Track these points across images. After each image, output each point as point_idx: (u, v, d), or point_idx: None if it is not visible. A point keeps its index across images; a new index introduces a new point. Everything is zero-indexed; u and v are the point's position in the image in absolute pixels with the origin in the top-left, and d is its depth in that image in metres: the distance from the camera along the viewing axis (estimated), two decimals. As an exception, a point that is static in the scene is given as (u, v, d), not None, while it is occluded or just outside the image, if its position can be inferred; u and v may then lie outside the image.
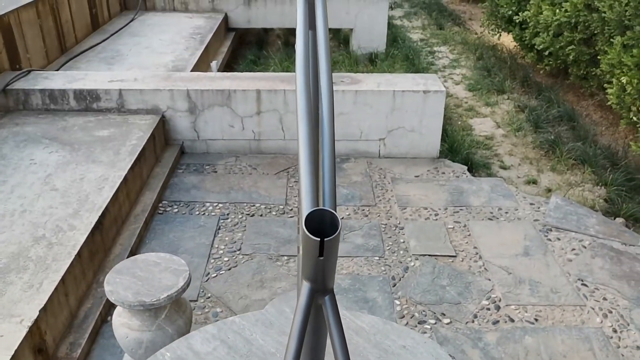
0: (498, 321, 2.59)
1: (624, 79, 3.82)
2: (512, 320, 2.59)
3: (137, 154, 3.33)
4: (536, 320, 2.60)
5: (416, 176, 3.88)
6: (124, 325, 2.07)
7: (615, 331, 2.54)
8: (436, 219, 3.37)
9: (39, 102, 3.83)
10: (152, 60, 4.92)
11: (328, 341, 0.85)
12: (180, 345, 1.34)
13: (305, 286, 0.73)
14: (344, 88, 3.86)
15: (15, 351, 1.96)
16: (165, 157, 3.83)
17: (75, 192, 2.92)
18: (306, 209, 0.65)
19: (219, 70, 5.16)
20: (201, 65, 4.98)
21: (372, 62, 6.36)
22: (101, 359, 2.33)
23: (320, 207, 0.66)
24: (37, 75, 4.03)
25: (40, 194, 2.89)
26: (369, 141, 4.03)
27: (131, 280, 2.07)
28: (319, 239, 0.64)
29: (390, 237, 3.19)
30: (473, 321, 2.58)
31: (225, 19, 6.45)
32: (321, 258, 0.66)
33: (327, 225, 0.66)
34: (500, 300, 2.72)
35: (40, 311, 2.13)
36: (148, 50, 5.22)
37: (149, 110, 3.88)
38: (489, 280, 2.85)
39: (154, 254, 2.23)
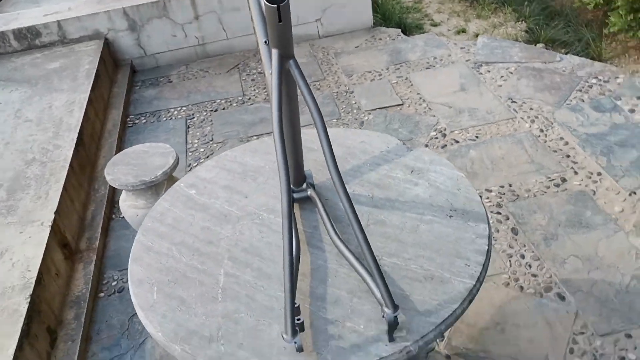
0: (446, 145, 3.02)
1: None
2: (457, 142, 3.03)
3: (93, 76, 3.51)
4: (477, 137, 3.04)
5: (356, 47, 4.17)
6: (132, 207, 2.41)
7: (541, 131, 3.01)
8: (380, 78, 3.72)
9: (-19, 49, 3.90)
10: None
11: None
12: (189, 176, 1.68)
13: (275, 53, 1.05)
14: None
15: (46, 246, 2.28)
16: (119, 78, 4.01)
17: (48, 119, 3.13)
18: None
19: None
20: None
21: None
22: (118, 246, 2.68)
23: None
24: (-30, 25, 4.05)
25: (17, 127, 3.09)
26: (307, 24, 4.26)
27: (127, 168, 2.37)
28: (275, 6, 0.95)
29: (342, 101, 3.54)
30: (425, 149, 3.01)
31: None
32: (280, 23, 0.98)
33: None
34: (445, 129, 3.14)
35: (54, 214, 2.44)
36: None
37: (92, 36, 3.99)
38: (434, 116, 3.26)
39: (140, 145, 2.53)
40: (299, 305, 1.13)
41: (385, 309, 1.11)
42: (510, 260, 2.29)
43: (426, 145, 3.03)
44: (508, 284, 2.19)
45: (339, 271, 1.29)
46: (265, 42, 1.14)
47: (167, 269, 1.36)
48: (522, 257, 2.30)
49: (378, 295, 1.15)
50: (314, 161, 1.65)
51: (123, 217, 2.69)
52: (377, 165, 1.61)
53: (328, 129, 1.73)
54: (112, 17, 3.97)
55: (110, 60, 4.03)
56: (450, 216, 1.41)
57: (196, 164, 3.18)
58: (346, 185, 1.52)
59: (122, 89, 3.88)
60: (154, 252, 1.42)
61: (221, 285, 1.30)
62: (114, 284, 2.48)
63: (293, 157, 1.39)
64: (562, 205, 2.51)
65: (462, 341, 2.00)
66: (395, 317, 1.10)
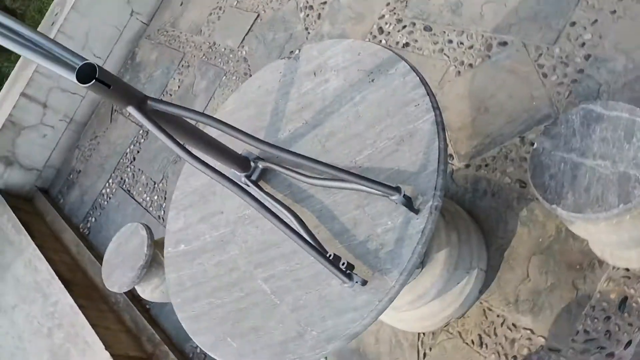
0: (320, 13, 2.97)
1: None
2: (325, 2, 2.98)
3: (23, 229, 3.41)
4: (335, -16, 2.98)
5: (180, 4, 3.99)
6: (153, 290, 2.43)
7: None
8: (223, 11, 3.59)
9: None
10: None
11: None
12: (168, 237, 1.71)
13: (131, 110, 1.03)
14: None
15: (125, 376, 2.34)
16: (42, 208, 3.89)
17: (25, 289, 3.09)
18: (71, 74, 0.92)
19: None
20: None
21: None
22: (174, 325, 2.74)
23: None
24: None
25: (7, 315, 3.06)
26: (128, 25, 4.05)
27: (119, 270, 2.37)
28: (94, 80, 0.92)
29: (213, 57, 3.44)
30: None
31: None
32: (111, 87, 0.95)
33: (90, 72, 0.93)
34: (309, 0, 3.07)
35: (106, 351, 2.47)
36: None
37: (-13, 199, 3.83)
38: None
39: (110, 243, 2.50)
40: (332, 254, 1.19)
41: (392, 198, 1.17)
42: (444, 52, 2.33)
43: (306, 29, 2.98)
44: (459, 72, 2.25)
45: (337, 200, 1.34)
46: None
47: (222, 318, 1.42)
48: (450, 41, 2.34)
49: (377, 192, 1.20)
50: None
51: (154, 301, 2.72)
52: (287, 94, 1.62)
53: (229, 101, 1.72)
54: (-15, 170, 3.79)
55: (22, 202, 3.89)
56: (372, 80, 1.43)
57: (163, 212, 3.16)
58: (279, 132, 1.54)
59: (51, 214, 3.78)
60: (201, 315, 1.47)
61: (269, 292, 1.35)
62: None
63: (221, 156, 1.39)
64: (442, -26, 2.51)
65: (466, 145, 2.09)
66: (404, 195, 1.16)
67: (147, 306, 2.91)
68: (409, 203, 1.17)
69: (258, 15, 3.31)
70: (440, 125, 1.26)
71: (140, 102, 1.03)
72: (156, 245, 2.43)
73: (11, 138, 3.81)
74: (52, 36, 3.73)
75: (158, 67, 3.80)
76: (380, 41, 2.60)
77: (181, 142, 1.16)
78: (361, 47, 1.50)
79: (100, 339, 2.53)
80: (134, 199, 3.37)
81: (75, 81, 0.91)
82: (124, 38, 4.03)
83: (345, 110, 1.44)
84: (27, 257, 3.22)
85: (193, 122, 1.30)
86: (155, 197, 3.25)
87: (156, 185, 3.29)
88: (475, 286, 1.80)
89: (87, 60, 0.93)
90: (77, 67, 0.92)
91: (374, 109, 1.38)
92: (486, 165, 2.01)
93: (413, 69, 1.37)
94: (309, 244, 1.19)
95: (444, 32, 2.38)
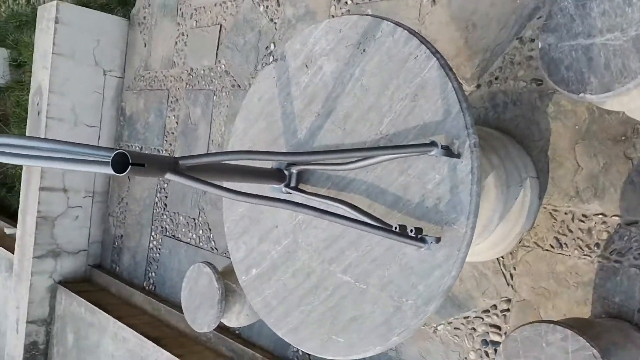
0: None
1: None
2: (279, -13, 2.96)
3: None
4: (280, -34, 2.95)
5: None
6: (240, 317, 2.52)
7: None
8: (184, 38, 3.59)
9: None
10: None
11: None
12: (237, 268, 1.77)
13: (169, 176, 1.07)
14: None
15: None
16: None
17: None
18: (107, 168, 0.96)
19: None
20: None
21: None
22: (274, 340, 2.82)
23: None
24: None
25: (123, 392, 3.20)
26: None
27: (201, 309, 2.46)
28: (129, 167, 0.96)
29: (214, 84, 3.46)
30: None
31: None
32: (145, 166, 0.99)
33: (122, 160, 0.98)
34: (262, -6, 3.05)
35: (220, 385, 2.57)
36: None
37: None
38: (244, -2, 3.16)
39: (182, 293, 2.59)
40: (396, 225, 1.22)
41: (430, 153, 1.19)
42: (412, -11, 2.31)
43: (271, 20, 2.97)
44: (433, 1, 2.23)
45: (378, 175, 1.37)
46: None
47: (319, 320, 1.47)
48: (413, -24, 2.31)
49: (414, 153, 1.23)
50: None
51: (241, 326, 2.81)
52: (289, 94, 1.64)
53: (237, 123, 1.75)
54: (38, 270, 3.91)
55: (83, 284, 4.02)
56: (364, 50, 1.44)
57: (213, 242, 3.24)
58: (297, 132, 1.57)
59: (114, 284, 3.89)
60: (299, 325, 1.53)
61: (353, 281, 1.40)
62: None
63: (255, 177, 1.43)
64: None
65: (469, 67, 2.08)
66: (440, 146, 1.19)
67: (237, 331, 3.01)
68: (448, 151, 1.19)
69: (221, 27, 3.30)
70: (447, 67, 1.27)
71: (173, 166, 1.07)
72: (224, 276, 2.50)
73: (49, 232, 3.91)
74: (43, 125, 3.79)
75: (150, 112, 3.84)
76: (346, 2, 2.58)
77: (220, 183, 1.20)
78: (340, 24, 1.51)
79: (210, 378, 2.64)
80: (182, 241, 3.45)
81: (113, 173, 0.95)
82: (108, 98, 4.07)
83: (350, 88, 1.46)
84: (112, 331, 3.35)
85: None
86: (200, 232, 3.33)
87: (196, 221, 3.36)
88: (533, 195, 1.82)
89: (116, 149, 0.96)
90: (110, 159, 0.96)
91: (377, 77, 1.40)
92: (496, 79, 2.01)
93: (397, 24, 1.38)
94: (370, 225, 1.23)
95: (403, -32, 2.35)
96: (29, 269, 3.89)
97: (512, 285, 1.91)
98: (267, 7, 3.00)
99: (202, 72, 3.41)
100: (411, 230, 1.20)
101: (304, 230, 1.54)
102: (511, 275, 1.91)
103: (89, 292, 3.82)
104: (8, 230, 4.98)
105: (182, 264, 3.42)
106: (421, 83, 1.30)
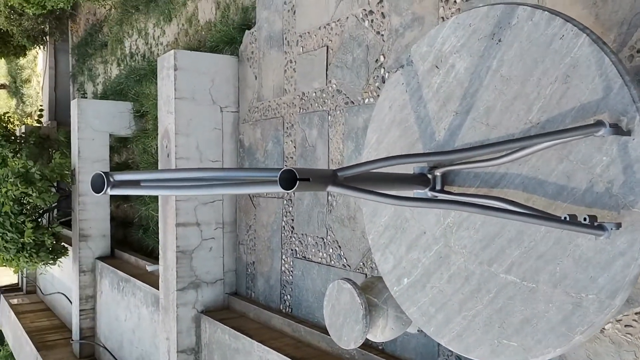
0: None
1: None
2: (381, -1, 2.96)
3: (237, 333, 3.67)
4: (381, -22, 2.96)
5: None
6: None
7: None
8: (293, 64, 3.70)
9: None
10: None
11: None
12: (381, 264, 1.75)
13: (331, 188, 1.09)
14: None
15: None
16: None
17: (273, 383, 3.30)
18: (276, 187, 1.00)
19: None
20: None
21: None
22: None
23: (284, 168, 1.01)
24: None
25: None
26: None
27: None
28: (297, 182, 0.99)
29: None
30: None
31: None
32: (310, 180, 1.02)
33: (289, 176, 1.01)
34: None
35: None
36: None
37: None
38: (347, 17, 3.21)
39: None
40: (566, 215, 1.15)
41: (597, 134, 1.11)
42: (527, -25, 2.21)
43: (377, 33, 2.98)
44: (552, -17, 2.11)
45: (534, 165, 1.30)
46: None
47: (486, 324, 1.41)
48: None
49: (577, 136, 1.15)
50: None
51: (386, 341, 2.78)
52: (421, 98, 1.62)
53: (370, 135, 1.75)
54: (182, 302, 4.16)
55: (224, 312, 4.21)
56: (499, 40, 1.39)
57: (344, 260, 3.26)
58: (435, 134, 1.54)
59: (252, 310, 4.04)
60: (463, 332, 1.48)
61: (519, 280, 1.33)
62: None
63: (402, 184, 1.42)
64: None
65: (604, 45, 1.94)
66: (608, 124, 1.10)
67: (380, 347, 2.98)
68: (617, 129, 1.10)
69: (327, 48, 3.37)
70: (600, 41, 1.19)
71: (333, 178, 1.08)
72: (364, 291, 2.50)
73: (188, 265, 4.16)
74: (173, 165, 4.07)
75: (267, 140, 3.99)
76: (455, 0, 2.53)
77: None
78: (469, 18, 1.47)
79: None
80: (313, 261, 3.51)
81: (283, 191, 0.98)
82: (226, 132, 4.30)
83: (488, 82, 1.41)
84: (257, 355, 3.46)
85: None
86: (330, 250, 3.36)
87: (325, 240, 3.41)
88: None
89: (281, 168, 1.00)
90: (277, 178, 0.99)
91: (519, 65, 1.34)
92: (638, 52, 1.85)
93: (535, 6, 1.32)
94: (538, 217, 1.16)
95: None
96: (174, 302, 4.15)
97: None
98: (372, 20, 3.02)
99: (314, 94, 3.49)
100: (585, 219, 1.12)
101: (455, 233, 1.50)
102: (687, 263, 1.72)
103: (230, 319, 4.00)
104: (150, 268, 5.38)
105: (315, 284, 3.47)
106: (572, 63, 1.22)
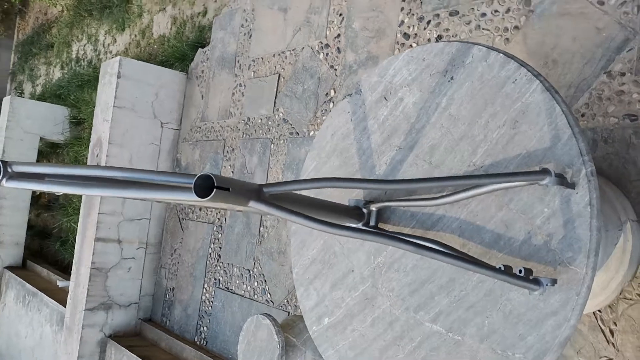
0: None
1: None
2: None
3: (144, 363, 3.40)
4: (341, 14, 2.95)
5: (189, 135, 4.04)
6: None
7: (358, -51, 2.91)
8: (243, 89, 3.61)
9: None
10: None
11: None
12: (309, 322, 1.63)
13: (253, 204, 0.97)
14: (104, 154, 3.87)
15: None
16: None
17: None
18: (190, 195, 0.87)
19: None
20: None
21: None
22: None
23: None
24: None
25: None
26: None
27: (259, 366, 2.30)
28: (214, 190, 0.87)
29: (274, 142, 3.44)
30: None
31: None
32: (230, 190, 0.90)
33: (206, 184, 0.88)
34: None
35: None
36: None
37: (101, 350, 3.86)
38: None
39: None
40: (501, 265, 1.08)
41: (542, 182, 1.06)
42: (482, 28, 2.23)
43: (331, 67, 2.94)
44: (507, 39, 2.14)
45: (472, 210, 1.24)
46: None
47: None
48: (483, 14, 2.24)
49: (521, 183, 1.09)
50: (336, 190, 1.58)
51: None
52: (365, 129, 1.54)
53: (308, 162, 1.66)
54: (89, 323, 3.84)
55: (133, 339, 3.92)
56: (451, 78, 1.34)
57: (269, 295, 3.10)
58: (375, 168, 1.46)
59: (165, 339, 3.77)
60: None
61: (445, 331, 1.24)
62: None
63: (332, 213, 1.31)
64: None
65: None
66: (554, 173, 1.05)
67: (294, 392, 2.81)
68: (562, 180, 1.05)
69: (279, 76, 3.30)
70: (553, 90, 1.15)
71: (258, 193, 0.97)
72: (283, 330, 2.35)
73: (102, 284, 3.87)
74: (101, 176, 3.82)
75: (205, 162, 3.83)
76: (411, 45, 2.53)
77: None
78: (423, 52, 1.42)
79: None
80: (236, 294, 3.33)
81: (197, 199, 0.86)
82: (164, 150, 4.11)
83: (436, 119, 1.35)
84: (161, 389, 3.20)
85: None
86: (255, 284, 3.20)
87: (251, 273, 3.24)
88: (635, 240, 1.63)
89: (197, 174, 0.87)
90: (192, 184, 0.87)
91: (468, 105, 1.29)
92: (582, 115, 1.87)
93: (491, 48, 1.28)
94: (473, 262, 1.08)
95: (472, 9, 2.28)
96: (80, 322, 3.82)
97: (613, 344, 1.69)
98: (327, 54, 2.98)
99: (260, 121, 3.39)
100: (520, 271, 1.05)
101: (384, 274, 1.40)
102: (611, 332, 1.69)
103: (140, 347, 3.71)
104: (61, 283, 4.99)
105: (235, 317, 3.28)
106: (522, 108, 1.18)
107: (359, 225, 1.39)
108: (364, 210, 1.41)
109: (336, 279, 1.53)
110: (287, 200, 1.13)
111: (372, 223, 1.41)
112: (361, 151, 1.53)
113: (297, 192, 1.13)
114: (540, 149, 1.13)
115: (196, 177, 0.88)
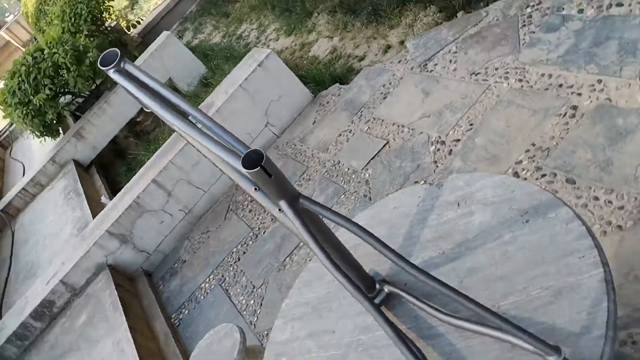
0: (451, 149, 2.95)
1: None
2: (458, 140, 2.96)
3: (120, 307, 3.45)
4: (471, 125, 2.98)
5: (313, 123, 4.19)
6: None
7: (520, 80, 2.95)
8: (353, 134, 3.70)
9: (12, 350, 3.85)
10: (59, 243, 4.97)
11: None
12: (269, 349, 1.59)
13: (284, 205, 0.99)
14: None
15: None
16: (141, 290, 3.96)
17: (108, 371, 3.04)
18: (236, 160, 0.91)
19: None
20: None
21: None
22: None
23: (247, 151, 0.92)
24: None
25: (86, 398, 2.99)
26: (261, 133, 4.29)
27: (205, 370, 2.26)
28: (258, 168, 0.90)
29: (337, 175, 3.49)
30: (437, 166, 2.93)
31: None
32: (272, 177, 0.93)
33: (255, 158, 0.92)
34: (439, 137, 3.08)
35: None
36: (50, 237, 5.24)
37: (96, 271, 3.97)
38: (422, 133, 3.21)
39: (201, 341, 2.43)
40: None
41: (549, 358, 0.99)
42: (588, 209, 2.16)
43: (435, 162, 2.95)
44: (604, 232, 2.06)
45: (472, 346, 1.18)
46: (255, 189, 1.09)
47: None
48: (596, 198, 2.18)
49: (529, 347, 1.03)
50: (366, 255, 1.56)
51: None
52: (424, 220, 1.53)
53: (359, 217, 1.66)
54: (102, 243, 3.97)
55: (125, 280, 4.00)
56: (527, 221, 1.31)
57: (256, 318, 3.07)
58: (411, 258, 1.43)
59: (149, 298, 3.82)
60: None
61: None
62: None
63: (349, 269, 1.30)
64: (593, 129, 2.42)
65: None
66: (564, 357, 0.98)
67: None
68: (568, 368, 0.98)
69: (387, 143, 3.35)
70: (610, 285, 1.09)
71: (293, 198, 0.99)
72: (247, 353, 2.31)
73: (133, 219, 4.01)
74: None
75: (280, 176, 3.92)
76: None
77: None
78: (516, 185, 1.40)
79: None
80: (230, 300, 3.33)
81: (241, 167, 0.89)
82: (255, 144, 4.25)
83: (491, 247, 1.32)
84: (118, 337, 3.22)
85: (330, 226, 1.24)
86: (252, 302, 3.18)
87: (255, 290, 3.23)
88: None
89: (252, 148, 0.91)
90: (243, 154, 0.90)
91: (527, 253, 1.24)
92: (633, 343, 1.74)
93: (578, 216, 1.24)
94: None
95: (590, 187, 2.22)
96: (95, 238, 3.97)
97: None
98: (439, 150, 2.99)
99: (346, 169, 3.44)
100: None
101: (358, 353, 1.36)
102: None
103: (125, 290, 3.78)
104: (104, 199, 5.22)
105: (216, 319, 3.27)
106: (573, 284, 1.12)
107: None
108: (377, 286, 1.39)
109: (317, 330, 1.50)
110: (316, 226, 1.13)
111: (377, 301, 1.38)
112: (408, 235, 1.51)
113: (328, 220, 1.13)
114: (566, 330, 1.07)
115: (251, 150, 0.92)
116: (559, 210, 1.27)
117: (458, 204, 1.48)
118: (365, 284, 1.37)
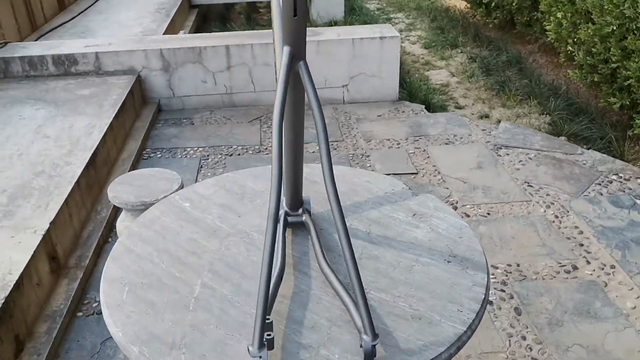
0: (456, 217, 2.94)
1: (559, 15, 4.22)
2: (468, 216, 2.96)
3: (118, 106, 3.58)
4: (488, 214, 2.97)
5: (378, 116, 4.22)
6: (128, 228, 2.35)
7: (556, 217, 2.93)
8: (398, 147, 3.72)
9: (19, 69, 4.04)
10: (121, 32, 5.14)
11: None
12: (186, 190, 1.64)
13: (286, 50, 1.04)
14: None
15: (33, 253, 2.22)
16: (144, 113, 4.08)
17: (67, 137, 3.17)
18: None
19: (187, 39, 5.39)
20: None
21: (333, 28, 6.69)
22: (107, 269, 2.60)
23: None
24: (14, 46, 4.23)
25: (34, 141, 3.13)
26: (334, 88, 4.35)
27: (131, 188, 2.35)
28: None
29: (357, 163, 3.53)
30: (434, 219, 2.94)
31: (189, -5, 6.68)
32: (295, 17, 0.97)
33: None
34: (457, 202, 3.08)
35: (50, 224, 2.39)
36: (116, 25, 5.42)
37: (126, 71, 4.12)
38: (447, 189, 3.21)
39: (149, 169, 2.52)
40: (271, 322, 1.04)
41: (364, 336, 1.02)
42: (510, 340, 2.15)
43: (436, 215, 2.95)
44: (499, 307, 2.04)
45: (322, 298, 1.21)
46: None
47: (144, 272, 1.29)
48: (524, 338, 2.16)
49: (359, 323, 1.06)
50: (315, 193, 1.60)
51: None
52: (379, 205, 1.56)
53: (334, 168, 1.70)
54: (149, 56, 4.11)
55: (139, 96, 4.13)
56: (449, 261, 1.33)
57: (202, 202, 3.14)
58: (345, 218, 1.46)
59: (144, 122, 3.94)
60: (134, 255, 1.36)
61: (195, 295, 1.22)
62: (94, 305, 2.38)
63: (292, 175, 1.34)
64: (571, 293, 2.39)
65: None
66: (374, 346, 1.01)
67: (109, 240, 2.81)
68: (368, 356, 1.01)
69: (416, 174, 3.37)
70: (457, 344, 1.10)
71: (299, 55, 1.03)
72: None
73: (187, 59, 4.12)
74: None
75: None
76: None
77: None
78: (468, 236, 1.42)
79: (57, 214, 2.46)
80: (197, 174, 3.41)
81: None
82: (323, 93, 4.31)
83: (405, 256, 1.35)
84: (96, 123, 3.34)
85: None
86: (210, 189, 3.25)
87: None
88: None
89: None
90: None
91: (425, 279, 1.27)
92: None
93: (486, 288, 1.25)
94: (264, 290, 1.06)
95: (527, 327, 2.20)
96: (149, 46, 4.10)
97: None
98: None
99: (368, 166, 3.46)
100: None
101: (239, 238, 1.40)
102: None
103: (131, 100, 3.90)
104: (181, 34, 5.37)
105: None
106: (433, 321, 1.14)
107: (284, 209, 1.41)
108: (300, 211, 1.43)
109: (230, 205, 1.55)
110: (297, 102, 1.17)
111: (289, 220, 1.42)
112: (357, 204, 1.55)
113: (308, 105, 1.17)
114: (396, 343, 1.09)
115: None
116: (478, 273, 1.28)
117: (414, 214, 1.51)
118: (292, 199, 1.40)
